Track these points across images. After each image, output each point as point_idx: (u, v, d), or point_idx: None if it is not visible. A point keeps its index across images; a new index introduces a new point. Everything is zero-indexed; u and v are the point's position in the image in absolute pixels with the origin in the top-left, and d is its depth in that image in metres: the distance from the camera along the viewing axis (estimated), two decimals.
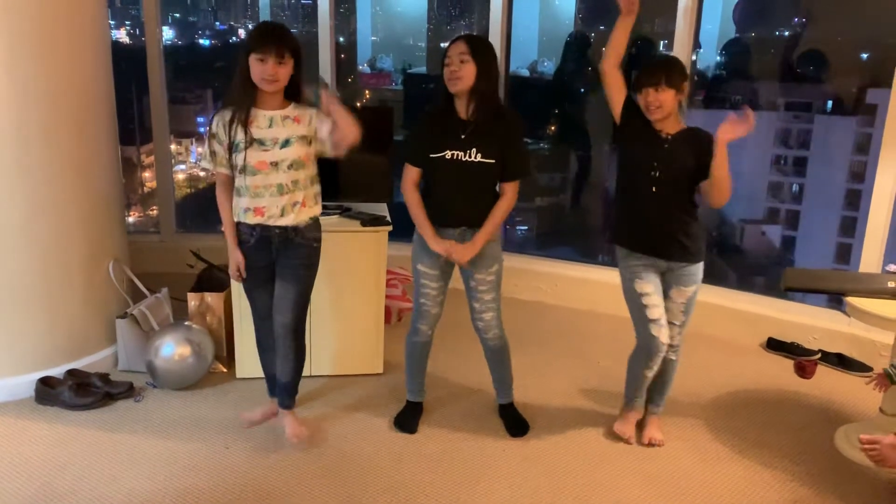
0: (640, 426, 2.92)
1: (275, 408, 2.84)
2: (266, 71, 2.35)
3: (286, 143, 2.45)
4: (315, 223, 2.61)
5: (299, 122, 2.49)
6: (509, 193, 2.65)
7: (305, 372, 2.84)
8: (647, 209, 2.61)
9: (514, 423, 2.95)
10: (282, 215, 2.50)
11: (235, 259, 2.59)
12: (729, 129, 2.38)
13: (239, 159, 2.45)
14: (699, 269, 2.66)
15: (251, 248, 2.57)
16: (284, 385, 2.74)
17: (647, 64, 2.60)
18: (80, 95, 3.07)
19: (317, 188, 2.60)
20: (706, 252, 2.67)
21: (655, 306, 2.64)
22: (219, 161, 2.50)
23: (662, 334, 2.65)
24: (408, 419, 2.95)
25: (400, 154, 2.82)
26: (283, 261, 2.59)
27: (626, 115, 2.62)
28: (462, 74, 2.48)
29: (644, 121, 2.59)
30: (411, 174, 2.67)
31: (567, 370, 3.51)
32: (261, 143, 2.44)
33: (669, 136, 2.56)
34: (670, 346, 2.74)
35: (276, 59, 2.35)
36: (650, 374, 2.75)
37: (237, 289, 3.02)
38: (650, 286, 2.64)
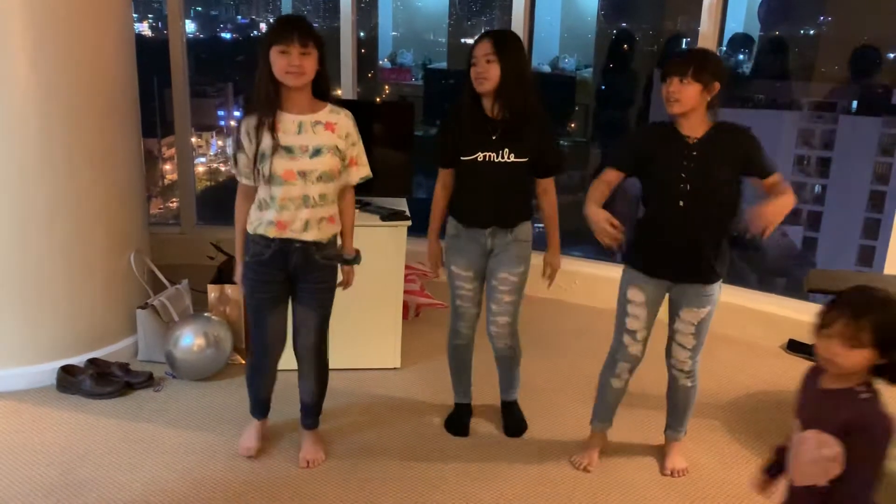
0: (662, 454, 2.75)
1: (264, 426, 2.73)
2: (290, 63, 2.17)
3: (317, 153, 2.27)
4: (335, 241, 2.48)
5: (333, 130, 2.31)
6: (551, 189, 2.66)
7: None
8: (672, 227, 2.35)
9: (514, 422, 2.91)
10: (305, 229, 2.33)
11: (239, 273, 2.46)
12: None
13: (265, 168, 2.25)
14: (716, 287, 2.43)
15: (266, 261, 2.36)
16: (307, 405, 2.64)
17: (679, 52, 2.39)
18: (103, 88, 3.09)
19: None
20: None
21: (636, 317, 2.47)
22: (241, 171, 2.34)
23: (634, 347, 2.51)
24: (457, 422, 2.90)
25: (429, 154, 2.72)
26: (303, 284, 2.44)
27: (637, 151, 2.42)
28: (488, 76, 2.41)
29: (664, 127, 2.36)
30: (443, 177, 2.65)
31: (585, 370, 3.49)
32: (288, 150, 2.25)
33: (697, 140, 2.30)
34: (682, 371, 2.54)
35: (300, 48, 2.17)
36: (616, 384, 2.59)
37: None
38: (641, 295, 2.45)
